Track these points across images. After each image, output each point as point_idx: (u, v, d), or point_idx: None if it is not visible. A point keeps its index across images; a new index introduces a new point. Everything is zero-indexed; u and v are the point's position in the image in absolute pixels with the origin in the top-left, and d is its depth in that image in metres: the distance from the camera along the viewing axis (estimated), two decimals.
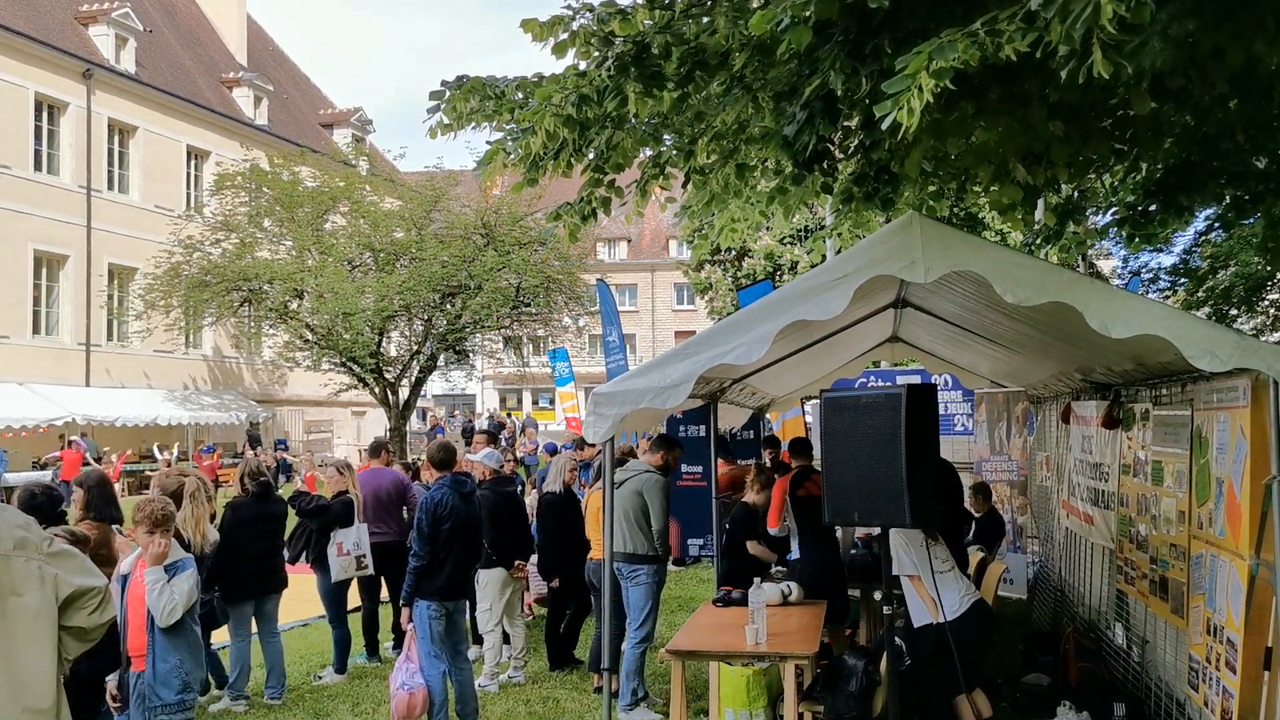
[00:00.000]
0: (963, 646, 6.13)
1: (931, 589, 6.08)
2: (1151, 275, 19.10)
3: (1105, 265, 25.16)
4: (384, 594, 9.43)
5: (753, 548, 8.22)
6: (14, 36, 28.14)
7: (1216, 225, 13.18)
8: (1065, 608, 9.06)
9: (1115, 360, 6.37)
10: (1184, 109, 4.86)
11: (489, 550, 7.96)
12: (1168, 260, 19.42)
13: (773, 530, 8.23)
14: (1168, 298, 18.83)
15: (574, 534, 8.42)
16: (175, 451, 27.30)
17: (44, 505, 5.62)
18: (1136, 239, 6.53)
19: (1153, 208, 6.22)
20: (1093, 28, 2.59)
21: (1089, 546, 8.09)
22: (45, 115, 29.71)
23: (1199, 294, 17.36)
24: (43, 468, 25.28)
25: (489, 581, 8.25)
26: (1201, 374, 4.84)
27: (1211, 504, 5.12)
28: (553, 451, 14.41)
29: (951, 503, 8.14)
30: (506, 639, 8.57)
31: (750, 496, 8.45)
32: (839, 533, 8.59)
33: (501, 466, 8.47)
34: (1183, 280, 18.46)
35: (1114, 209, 7.75)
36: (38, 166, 29.36)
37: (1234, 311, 17.43)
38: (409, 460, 15.43)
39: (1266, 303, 17.97)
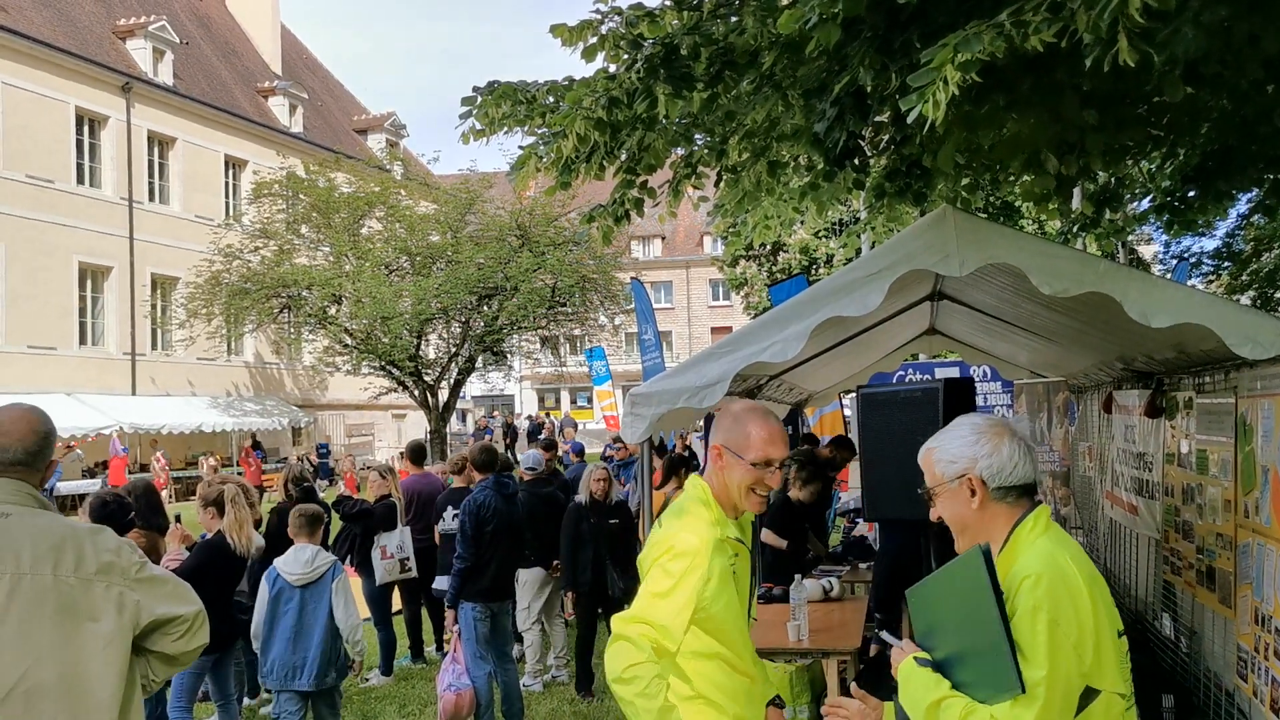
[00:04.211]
0: None
1: None
2: (1194, 259, 18.86)
3: (1146, 250, 24.85)
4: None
5: (766, 535, 7.98)
6: (54, 52, 28.63)
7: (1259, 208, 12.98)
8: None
9: (1156, 349, 6.29)
10: (1220, 94, 4.80)
11: (526, 550, 8.00)
12: (1210, 244, 19.17)
13: None
14: (1211, 282, 18.59)
15: (596, 547, 8.07)
16: (218, 459, 27.66)
17: (115, 513, 5.72)
18: (1176, 225, 6.46)
19: (1192, 194, 6.14)
20: (1119, 16, 2.57)
21: (1134, 537, 8.00)
22: (86, 129, 30.21)
23: (1243, 278, 17.10)
24: (91, 475, 25.74)
25: (527, 581, 8.29)
26: (1245, 361, 4.77)
27: (1257, 492, 5.05)
28: (579, 452, 13.98)
29: None
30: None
31: (794, 492, 8.30)
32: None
33: (540, 467, 8.49)
34: (1226, 264, 18.20)
35: (1152, 195, 7.66)
36: (80, 180, 29.85)
37: (1278, 294, 17.16)
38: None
39: None
